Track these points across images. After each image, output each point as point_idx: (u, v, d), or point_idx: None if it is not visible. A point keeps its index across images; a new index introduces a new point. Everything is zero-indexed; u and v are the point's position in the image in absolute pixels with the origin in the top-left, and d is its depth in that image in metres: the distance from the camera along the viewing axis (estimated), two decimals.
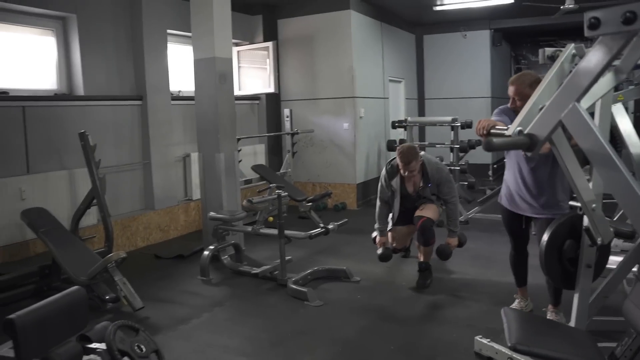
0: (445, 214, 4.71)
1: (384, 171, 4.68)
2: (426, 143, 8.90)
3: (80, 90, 5.76)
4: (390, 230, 4.73)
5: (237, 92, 8.04)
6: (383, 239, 4.76)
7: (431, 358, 3.28)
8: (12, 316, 3.02)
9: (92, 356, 3.20)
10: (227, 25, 5.56)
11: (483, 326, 3.61)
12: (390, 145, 8.04)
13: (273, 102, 8.43)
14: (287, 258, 4.87)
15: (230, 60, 5.65)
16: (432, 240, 4.51)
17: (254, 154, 8.15)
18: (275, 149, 8.56)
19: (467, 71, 10.04)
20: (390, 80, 8.97)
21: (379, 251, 4.73)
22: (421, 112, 10.46)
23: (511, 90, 3.41)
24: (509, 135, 2.19)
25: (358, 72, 7.75)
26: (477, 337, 3.28)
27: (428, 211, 4.54)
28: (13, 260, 4.87)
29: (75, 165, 5.44)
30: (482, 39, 10.07)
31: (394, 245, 4.78)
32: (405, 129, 8.01)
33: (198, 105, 5.67)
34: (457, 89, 10.13)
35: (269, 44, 7.86)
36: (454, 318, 3.87)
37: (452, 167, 7.48)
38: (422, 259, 4.62)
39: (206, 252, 5.08)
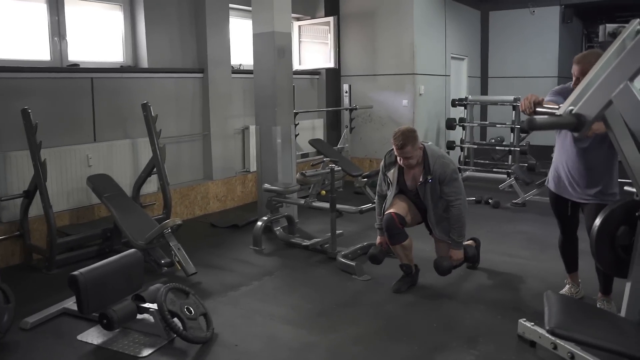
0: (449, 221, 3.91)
1: (382, 161, 4.13)
2: (487, 122, 8.70)
3: (144, 62, 5.97)
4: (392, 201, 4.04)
5: (297, 67, 8.14)
6: (382, 238, 4.16)
7: (472, 338, 3.27)
8: (75, 273, 3.25)
9: (145, 315, 3.39)
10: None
11: (529, 310, 3.56)
12: (450, 124, 7.92)
13: (333, 77, 8.43)
14: (338, 232, 4.94)
15: (289, 34, 5.69)
16: (447, 273, 3.98)
17: (312, 128, 8.22)
18: (334, 124, 8.59)
19: (533, 49, 9.67)
20: (453, 58, 8.78)
21: (370, 251, 4.20)
22: (484, 91, 10.19)
23: (575, 69, 3.21)
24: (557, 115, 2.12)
25: (419, 48, 7.63)
26: (521, 320, 3.23)
27: (444, 251, 3.99)
28: (80, 222, 5.16)
29: (138, 134, 5.66)
30: (551, 15, 9.65)
31: (392, 210, 3.95)
32: (465, 107, 7.87)
33: (256, 78, 5.76)
34: (522, 67, 9.79)
35: (330, 18, 7.84)
36: (500, 300, 3.83)
37: (513, 148, 7.31)
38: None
39: (259, 223, 5.20)
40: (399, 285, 4.05)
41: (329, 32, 7.85)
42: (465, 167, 7.92)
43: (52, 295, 3.84)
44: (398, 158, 3.85)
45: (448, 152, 8.33)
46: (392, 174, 4.01)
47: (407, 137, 3.74)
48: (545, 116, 2.15)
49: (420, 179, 3.87)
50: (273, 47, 5.47)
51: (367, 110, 8.04)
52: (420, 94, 7.77)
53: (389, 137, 7.80)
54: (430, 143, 3.99)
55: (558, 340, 2.86)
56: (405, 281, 4.09)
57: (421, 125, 7.92)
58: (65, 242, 4.56)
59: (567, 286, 3.78)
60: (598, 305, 3.46)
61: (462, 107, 7.85)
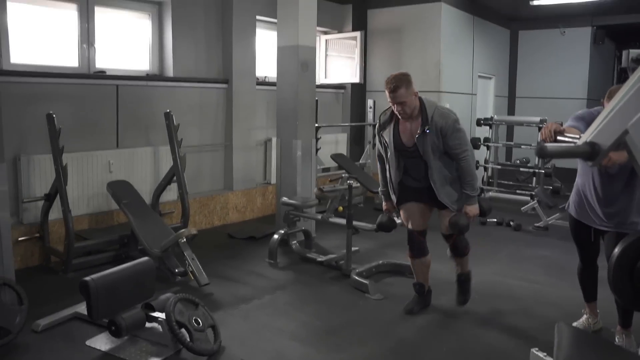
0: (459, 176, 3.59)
1: (377, 123, 3.81)
2: (512, 143, 8.57)
3: (170, 71, 6.04)
4: (400, 207, 3.82)
5: (323, 80, 8.16)
6: (387, 204, 3.95)
7: None
8: (87, 278, 3.27)
9: (154, 324, 3.40)
10: (312, 14, 5.62)
11: (543, 338, 3.45)
12: (474, 143, 7.80)
13: (358, 92, 8.42)
14: (354, 249, 4.90)
15: (313, 49, 5.71)
16: (468, 248, 3.83)
17: (335, 142, 8.21)
18: (357, 139, 8.57)
19: (563, 70, 9.53)
20: (480, 77, 8.71)
21: (378, 219, 4.04)
22: (511, 111, 10.07)
23: (607, 101, 3.12)
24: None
25: (445, 66, 7.59)
26: (534, 350, 3.14)
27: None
28: (99, 227, 5.22)
29: (160, 142, 5.71)
30: (582, 36, 9.52)
31: (412, 227, 3.81)
32: (490, 127, 7.77)
33: (279, 91, 5.78)
34: (551, 88, 9.65)
35: (357, 33, 7.85)
36: (514, 327, 3.73)
37: (537, 170, 7.18)
38: (460, 270, 3.92)
39: (275, 236, 5.19)
40: (412, 306, 3.94)
41: (356, 47, 7.86)
42: (488, 187, 7.81)
43: (66, 299, 3.87)
44: (393, 108, 3.48)
45: None
46: (387, 134, 3.62)
47: (399, 79, 3.39)
48: (558, 144, 2.09)
49: (418, 131, 3.45)
50: (297, 61, 5.50)
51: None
52: None
53: None
54: (428, 98, 3.64)
55: None
56: (418, 302, 3.97)
57: None
58: (82, 246, 4.62)
59: (585, 316, 3.67)
60: (616, 340, 3.35)
61: (488, 127, 7.75)
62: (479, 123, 7.78)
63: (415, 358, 3.25)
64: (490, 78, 9.30)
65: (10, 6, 4.77)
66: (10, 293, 3.44)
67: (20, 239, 4.62)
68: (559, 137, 2.63)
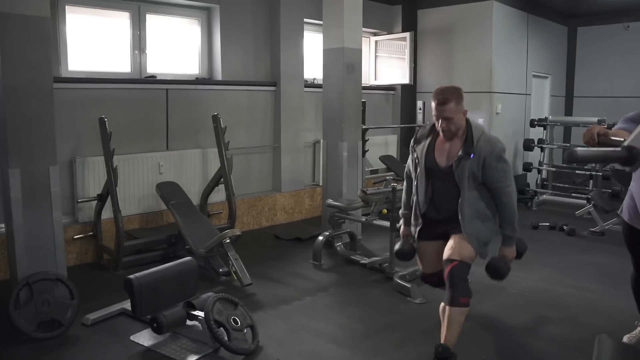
0: (498, 214, 3.18)
1: (413, 138, 3.38)
2: (568, 144, 8.28)
3: (218, 75, 6.18)
4: (415, 243, 3.41)
5: (372, 82, 8.14)
6: (406, 230, 3.50)
7: None
8: (131, 277, 3.39)
9: (194, 322, 3.49)
10: (358, 16, 5.62)
11: (590, 350, 3.31)
12: (527, 145, 7.61)
13: (408, 93, 8.35)
14: (396, 248, 4.85)
15: (359, 50, 5.70)
16: (465, 298, 2.97)
17: (385, 144, 8.17)
18: (407, 141, 8.47)
19: (625, 67, 9.06)
20: (535, 76, 8.44)
21: (397, 246, 3.56)
22: (568, 111, 9.71)
23: None
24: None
25: (497, 66, 7.41)
26: None
27: (457, 247, 3.05)
28: (149, 227, 5.40)
29: (209, 145, 5.84)
30: None
31: (422, 270, 3.45)
32: (545, 128, 7.54)
33: (325, 93, 5.82)
34: (611, 87, 9.22)
35: (407, 34, 7.78)
36: (560, 337, 3.60)
37: (594, 173, 6.91)
38: (442, 338, 3.00)
39: (320, 238, 5.22)
40: None
41: (406, 48, 7.79)
42: (542, 190, 7.58)
43: (115, 295, 4.02)
44: (435, 115, 3.07)
45: (525, 174, 8.03)
46: (422, 148, 3.22)
47: (450, 92, 3.02)
48: (593, 148, 2.00)
49: (460, 153, 3.06)
50: (342, 63, 5.51)
51: None
52: (497, 113, 7.53)
53: None
54: (480, 121, 3.43)
55: None
56: None
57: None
58: (132, 245, 4.79)
59: (638, 329, 3.50)
60: None
61: (542, 128, 7.52)
62: (532, 124, 7.57)
63: None
64: (546, 77, 9.00)
65: (68, 17, 5.01)
66: (63, 288, 3.61)
67: (75, 237, 4.84)
68: (602, 140, 2.52)
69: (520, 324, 3.83)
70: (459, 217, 3.09)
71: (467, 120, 3.12)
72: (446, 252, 3.08)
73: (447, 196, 3.15)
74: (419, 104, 7.72)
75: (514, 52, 7.84)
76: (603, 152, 1.95)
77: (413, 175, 3.34)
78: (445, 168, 3.12)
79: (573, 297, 4.34)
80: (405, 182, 3.51)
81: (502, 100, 7.60)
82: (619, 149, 1.86)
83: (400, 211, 3.55)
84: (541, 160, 7.62)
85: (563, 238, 6.16)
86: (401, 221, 3.55)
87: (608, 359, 2.25)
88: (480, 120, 7.50)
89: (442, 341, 3.00)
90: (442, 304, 3.03)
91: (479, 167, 3.04)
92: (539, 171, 7.66)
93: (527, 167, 7.67)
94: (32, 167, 3.50)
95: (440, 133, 3.12)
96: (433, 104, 3.06)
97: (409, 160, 3.39)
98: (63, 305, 3.55)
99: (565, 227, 6.32)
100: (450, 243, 3.10)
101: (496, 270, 3.16)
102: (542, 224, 6.50)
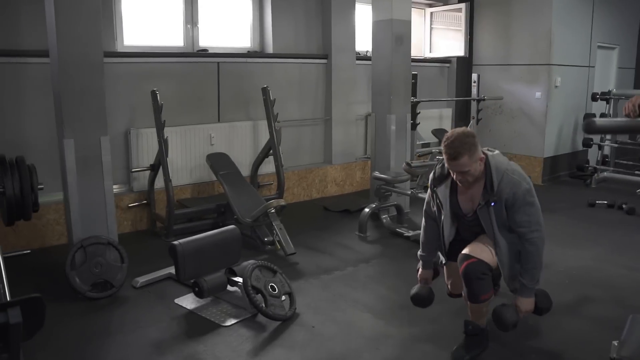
0: (520, 259, 2.87)
1: (431, 174, 3.09)
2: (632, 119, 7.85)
3: (270, 48, 6.24)
4: (444, 264, 3.20)
5: (427, 54, 7.99)
6: (425, 273, 3.22)
7: (556, 352, 3.06)
8: (175, 242, 3.56)
9: (235, 288, 3.63)
10: None
11: None
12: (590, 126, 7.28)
13: (464, 66, 8.14)
14: None
15: (408, 22, 5.62)
16: (485, 295, 2.85)
17: (439, 117, 8.05)
18: (462, 115, 8.31)
19: None
20: (600, 47, 8.02)
21: (413, 290, 3.24)
22: (637, 85, 9.18)
23: None
24: None
25: (557, 37, 7.09)
26: (615, 342, 2.95)
27: (479, 248, 2.87)
28: (200, 196, 5.59)
29: (259, 117, 5.93)
30: None
31: (450, 290, 3.27)
32: (607, 102, 7.20)
33: (374, 66, 5.79)
34: None
35: (463, 5, 7.56)
36: (603, 317, 3.50)
37: None
38: (470, 317, 3.03)
39: (366, 210, 5.25)
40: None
41: (462, 19, 7.58)
42: (603, 167, 7.27)
43: (164, 261, 4.20)
44: (452, 175, 2.84)
45: (585, 150, 7.73)
46: (443, 192, 2.97)
47: (462, 144, 2.67)
48: (616, 118, 1.92)
49: (480, 201, 2.84)
50: (391, 35, 5.45)
51: (498, 101, 7.67)
52: (556, 86, 7.24)
53: (519, 131, 7.51)
54: (496, 152, 2.90)
55: None
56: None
57: (554, 120, 7.39)
58: (182, 213, 4.99)
59: None
60: None
61: (604, 102, 7.18)
62: (594, 98, 7.25)
63: (490, 339, 3.16)
64: (613, 48, 8.52)
65: None
66: (114, 252, 3.83)
67: (130, 205, 5.09)
68: None
69: (562, 302, 3.73)
70: (499, 265, 2.87)
71: (486, 160, 2.79)
72: (465, 249, 2.90)
73: (475, 237, 2.96)
74: (474, 77, 7.51)
75: (577, 21, 7.46)
76: (626, 122, 1.88)
77: (437, 216, 3.07)
78: (471, 216, 2.91)
79: (623, 277, 4.20)
80: (424, 221, 3.19)
81: (562, 73, 7.28)
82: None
83: (419, 252, 3.23)
84: (603, 135, 7.29)
85: (621, 217, 5.92)
86: (419, 264, 3.24)
87: (638, 339, 2.19)
88: (538, 94, 7.25)
89: (471, 317, 3.02)
90: (463, 293, 2.96)
91: (503, 212, 2.79)
92: (600, 147, 7.34)
93: (587, 142, 7.37)
94: (84, 138, 3.70)
95: (458, 183, 2.85)
96: (444, 156, 2.75)
97: (428, 198, 3.13)
98: (114, 267, 3.77)
99: (624, 206, 6.06)
100: (472, 244, 2.91)
101: (499, 319, 2.83)
102: (600, 201, 6.26)
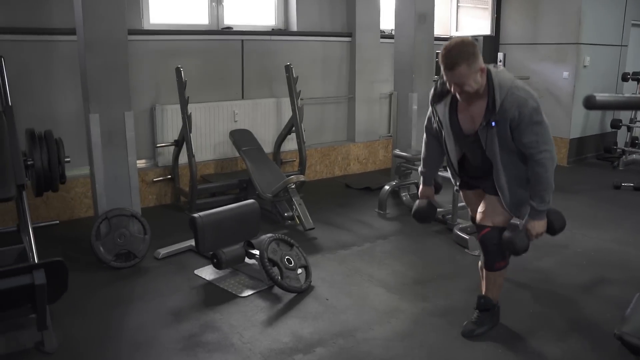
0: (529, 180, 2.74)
1: (432, 90, 2.92)
2: None
3: (294, 26, 6.28)
4: (457, 191, 3.16)
5: (454, 33, 7.91)
6: (425, 189, 3.15)
7: (565, 332, 3.08)
8: (195, 215, 3.68)
9: (253, 261, 3.73)
10: None
11: None
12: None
13: (490, 44, 8.02)
14: (461, 204, 4.85)
15: (432, 0, 5.58)
16: (501, 263, 2.89)
17: None
18: None
19: None
20: (634, 25, 7.80)
21: (414, 206, 3.20)
22: None
23: None
24: None
25: (588, 14, 6.92)
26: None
27: (492, 210, 2.83)
28: (223, 172, 5.70)
29: (282, 94, 5.98)
30: None
31: (471, 213, 3.24)
32: (639, 83, 7.05)
33: (397, 44, 5.78)
34: None
35: None
36: (618, 298, 3.45)
37: None
38: (483, 291, 3.07)
39: (386, 187, 5.30)
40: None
41: None
42: (631, 149, 7.15)
43: (186, 234, 4.29)
44: (450, 88, 2.63)
45: (614, 132, 7.58)
46: (443, 109, 2.81)
47: (460, 52, 2.49)
48: (617, 95, 1.91)
49: (482, 121, 2.65)
50: (414, 12, 5.43)
51: (524, 81, 7.54)
52: (585, 66, 7.09)
53: (545, 111, 7.29)
54: (502, 68, 2.73)
55: None
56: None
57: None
58: (205, 188, 5.12)
59: None
60: None
61: (636, 82, 7.02)
62: (624, 78, 7.10)
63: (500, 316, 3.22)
64: None
65: None
66: (137, 224, 3.97)
67: (155, 179, 5.23)
68: None
69: (577, 282, 3.76)
70: (498, 191, 2.77)
71: (489, 75, 2.59)
72: (479, 216, 2.90)
73: (480, 160, 2.81)
74: (500, 56, 7.42)
75: None
76: (628, 98, 1.88)
77: (439, 134, 2.95)
78: (471, 135, 2.74)
79: None
80: (425, 137, 3.08)
81: (592, 52, 7.13)
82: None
83: (419, 169, 3.17)
84: (632, 117, 7.15)
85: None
86: (420, 179, 3.18)
87: None
88: (565, 74, 7.12)
89: (483, 293, 3.06)
90: (480, 263, 3.03)
91: (507, 133, 2.61)
92: (629, 129, 7.20)
93: (616, 124, 7.23)
94: (109, 113, 3.82)
95: (457, 96, 2.66)
96: (442, 67, 2.58)
97: (429, 114, 2.99)
98: (137, 239, 3.91)
99: None
100: (482, 206, 2.89)
101: (510, 243, 2.72)
102: (626, 184, 6.17)
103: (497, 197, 2.79)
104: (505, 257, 2.90)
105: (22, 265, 2.30)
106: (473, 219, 3.20)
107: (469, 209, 3.31)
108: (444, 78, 2.62)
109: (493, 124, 2.59)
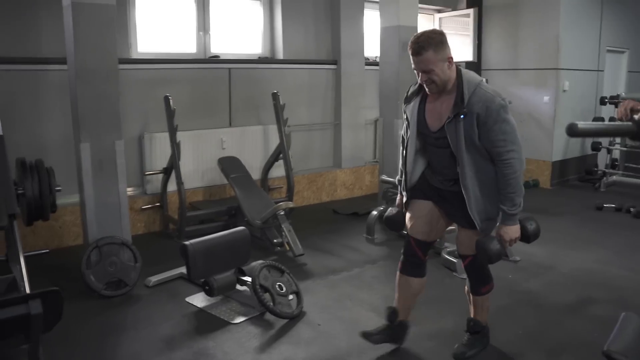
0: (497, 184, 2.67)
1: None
2: None
3: (280, 54, 6.38)
4: (408, 202, 2.95)
5: None
6: (402, 198, 3.01)
7: (555, 352, 3.13)
8: (186, 243, 3.69)
9: (244, 287, 3.75)
10: None
11: None
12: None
13: (474, 70, 8.20)
14: (449, 228, 4.91)
15: (415, 28, 5.71)
16: (486, 287, 2.97)
17: None
18: None
19: None
20: (609, 51, 8.05)
21: (387, 212, 3.16)
22: None
23: None
24: None
25: (565, 41, 7.15)
26: None
27: (468, 242, 2.83)
28: (212, 199, 5.73)
29: (270, 121, 6.04)
30: None
31: (410, 232, 2.97)
32: (616, 106, 7.23)
33: (382, 71, 5.92)
34: None
35: (471, 10, 7.65)
36: (604, 317, 3.53)
37: None
38: (472, 314, 3.09)
39: (374, 212, 5.35)
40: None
41: (470, 24, 7.67)
42: (612, 170, 7.31)
43: (176, 261, 4.30)
44: (418, 78, 2.63)
45: (594, 154, 7.75)
46: (413, 107, 2.78)
47: (428, 39, 2.51)
48: (597, 122, 2.00)
49: (449, 114, 2.60)
50: (398, 41, 5.56)
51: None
52: (564, 90, 7.29)
53: (527, 135, 7.60)
54: (473, 72, 2.73)
55: None
56: (382, 332, 3.09)
57: (563, 124, 7.39)
58: (194, 215, 5.13)
59: None
60: None
61: (613, 106, 7.22)
62: (602, 102, 7.30)
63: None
64: (622, 52, 8.54)
65: (137, 1, 5.35)
66: (128, 252, 3.97)
67: (143, 207, 5.24)
68: (635, 116, 2.51)
69: (564, 302, 3.82)
70: (463, 192, 2.68)
71: (459, 72, 2.62)
72: (459, 247, 2.97)
73: (446, 164, 2.74)
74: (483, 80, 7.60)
75: (585, 25, 7.51)
76: (607, 125, 1.98)
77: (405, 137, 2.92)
78: (437, 132, 2.68)
79: (626, 279, 4.26)
80: (401, 146, 2.99)
81: (570, 77, 7.34)
82: (628, 122, 1.88)
83: (397, 177, 3.07)
84: (612, 139, 7.34)
85: (629, 221, 5.95)
86: (399, 188, 3.07)
87: (631, 335, 2.26)
88: (546, 98, 7.32)
89: (472, 314, 3.11)
90: (466, 287, 3.08)
91: (474, 129, 2.56)
92: (609, 151, 7.38)
93: (596, 146, 7.40)
94: (100, 141, 3.86)
95: (425, 88, 2.66)
96: (410, 53, 2.59)
97: (404, 122, 2.93)
98: (128, 267, 3.91)
99: (632, 210, 6.10)
100: (460, 237, 2.90)
101: (483, 249, 2.66)
102: (608, 205, 6.31)
103: (473, 230, 2.76)
104: (490, 281, 2.97)
105: (18, 295, 2.30)
106: (409, 244, 3.00)
107: (409, 227, 2.98)
108: (412, 66, 2.61)
109: (462, 116, 2.55)
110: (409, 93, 2.84)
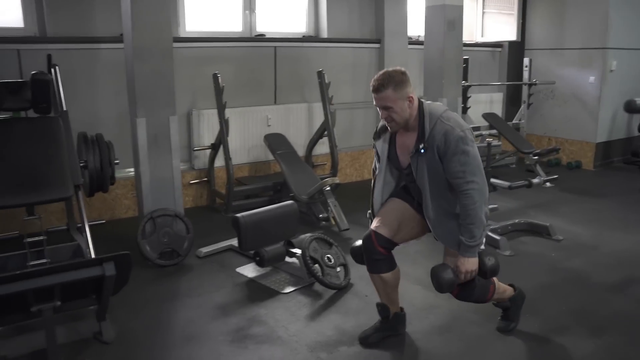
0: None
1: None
2: None
3: (324, 33, 6.43)
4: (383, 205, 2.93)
5: (479, 39, 8.01)
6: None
7: (600, 329, 3.16)
8: (238, 215, 3.83)
9: (293, 259, 3.87)
10: None
11: None
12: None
13: (516, 50, 8.12)
14: (492, 206, 4.93)
15: (460, 7, 5.71)
16: (487, 297, 2.92)
17: (490, 102, 8.06)
18: (514, 99, 8.30)
19: None
20: None
21: (356, 243, 3.07)
22: None
23: None
24: None
25: (615, 19, 6.97)
26: None
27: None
28: (257, 175, 5.87)
29: (314, 99, 6.13)
30: None
31: (374, 225, 2.89)
32: None
33: (426, 50, 5.92)
34: None
35: None
36: None
37: None
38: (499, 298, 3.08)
39: None
40: (368, 332, 3.04)
41: (515, 3, 7.56)
42: None
43: (225, 234, 4.50)
44: (380, 114, 2.67)
45: None
46: (383, 141, 2.83)
47: (389, 77, 2.55)
48: None
49: (412, 149, 2.65)
50: (443, 20, 5.56)
51: (550, 86, 7.63)
52: (612, 70, 7.14)
53: (571, 116, 7.48)
54: (438, 103, 2.75)
55: None
56: (379, 329, 3.05)
57: (608, 105, 7.29)
58: (241, 190, 5.29)
59: None
60: None
61: None
62: None
63: (531, 312, 3.30)
64: None
65: None
66: (180, 224, 4.14)
67: (191, 182, 5.42)
68: None
69: (608, 281, 3.83)
70: (427, 219, 2.74)
71: (420, 107, 2.64)
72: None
73: (419, 194, 2.76)
74: (526, 61, 7.50)
75: (636, 2, 7.29)
76: None
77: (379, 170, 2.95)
78: (407, 168, 2.74)
79: None
80: (372, 180, 3.01)
81: (619, 57, 7.17)
82: None
83: (368, 212, 3.06)
84: None
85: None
86: (369, 222, 3.03)
87: None
88: (592, 79, 7.16)
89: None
90: None
91: (437, 161, 2.59)
92: None
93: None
94: (155, 117, 4.01)
95: (386, 125, 2.72)
96: (371, 90, 2.63)
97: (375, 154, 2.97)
98: (180, 238, 4.08)
99: None
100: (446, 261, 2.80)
101: (434, 277, 2.69)
102: None
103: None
104: (487, 289, 2.88)
105: (94, 257, 2.46)
106: (368, 238, 2.89)
107: (375, 222, 2.91)
108: (374, 103, 2.65)
109: (422, 151, 2.60)
110: (378, 129, 2.87)
